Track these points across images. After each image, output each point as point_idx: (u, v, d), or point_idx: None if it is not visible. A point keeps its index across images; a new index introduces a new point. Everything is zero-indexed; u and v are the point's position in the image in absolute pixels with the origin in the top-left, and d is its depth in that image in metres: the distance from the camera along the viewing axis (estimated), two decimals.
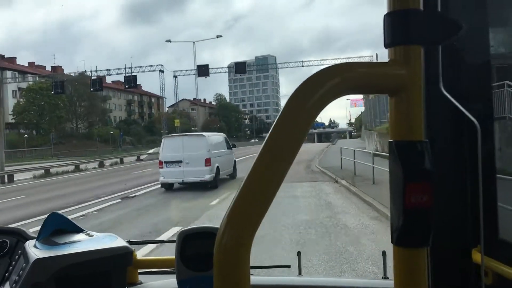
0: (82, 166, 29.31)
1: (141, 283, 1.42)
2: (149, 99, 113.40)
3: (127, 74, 43.00)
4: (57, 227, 1.28)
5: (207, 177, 15.32)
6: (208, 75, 43.08)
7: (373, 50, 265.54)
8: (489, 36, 0.90)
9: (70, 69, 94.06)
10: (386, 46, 0.60)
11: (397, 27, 0.59)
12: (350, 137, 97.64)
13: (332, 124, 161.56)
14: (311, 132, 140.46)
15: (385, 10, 0.60)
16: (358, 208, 10.61)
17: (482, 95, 0.89)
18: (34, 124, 67.38)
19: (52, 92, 44.72)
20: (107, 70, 43.77)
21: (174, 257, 1.13)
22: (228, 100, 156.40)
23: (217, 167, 16.04)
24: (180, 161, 15.43)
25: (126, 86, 43.00)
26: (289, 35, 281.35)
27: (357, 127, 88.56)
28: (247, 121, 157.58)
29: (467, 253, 0.88)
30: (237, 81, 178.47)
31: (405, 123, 0.58)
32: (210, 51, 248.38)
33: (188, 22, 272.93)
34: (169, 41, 52.96)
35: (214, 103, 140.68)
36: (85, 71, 44.79)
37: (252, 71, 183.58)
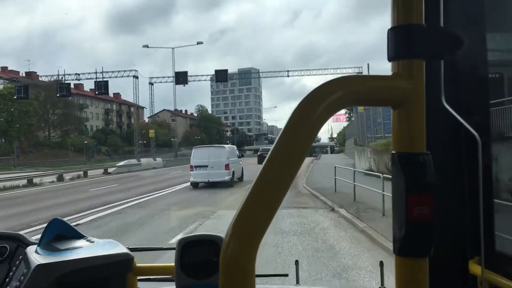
0: (37, 180, 25.42)
1: None
2: (128, 109, 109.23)
3: (97, 80, 39.28)
4: (59, 233, 1.27)
5: (227, 178, 20.40)
6: (187, 83, 39.80)
7: (355, 66, 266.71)
8: (488, 50, 0.92)
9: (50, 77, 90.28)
10: (389, 59, 0.61)
11: (400, 41, 0.60)
12: (332, 152, 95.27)
13: (316, 137, 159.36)
14: None
15: (388, 25, 0.61)
16: (373, 257, 7.29)
17: (482, 108, 0.90)
18: (1, 132, 62.85)
19: (15, 97, 40.73)
20: (76, 74, 39.88)
21: (173, 264, 1.12)
22: (210, 111, 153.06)
23: (233, 171, 21.12)
24: (206, 166, 20.16)
25: (97, 92, 39.16)
26: (273, 50, 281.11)
27: (340, 142, 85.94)
28: (228, 133, 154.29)
29: (464, 264, 0.90)
30: (220, 93, 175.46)
31: (407, 135, 0.59)
32: (194, 63, 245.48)
33: (173, 34, 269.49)
34: (147, 46, 49.64)
35: (195, 114, 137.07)
36: (58, 75, 41.12)
37: (234, 83, 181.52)
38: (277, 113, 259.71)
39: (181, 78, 39.35)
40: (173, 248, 1.12)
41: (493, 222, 0.89)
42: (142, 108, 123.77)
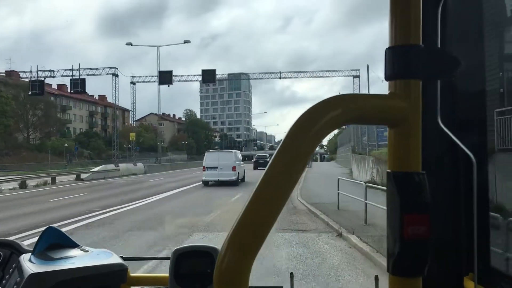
0: None
1: None
2: (114, 111, 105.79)
3: (74, 77, 36.12)
4: (53, 241, 1.26)
5: (234, 178, 23.87)
6: (171, 83, 36.93)
7: (345, 74, 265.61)
8: (486, 71, 0.94)
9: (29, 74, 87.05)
10: (386, 79, 0.61)
11: (397, 61, 0.60)
12: (322, 159, 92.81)
13: None
14: None
15: (386, 44, 0.61)
16: None
17: (478, 128, 0.93)
18: None
19: None
20: (50, 71, 36.66)
21: (167, 274, 1.11)
22: (198, 116, 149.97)
23: (238, 172, 24.53)
24: (217, 167, 23.65)
25: (72, 91, 35.97)
26: (264, 56, 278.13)
27: (331, 150, 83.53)
28: (217, 138, 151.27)
29: (459, 281, 0.90)
30: (209, 97, 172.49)
31: (403, 155, 0.59)
32: (184, 67, 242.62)
33: (164, 37, 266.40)
34: (130, 44, 46.58)
35: (184, 119, 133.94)
36: (31, 72, 37.80)
37: (224, 88, 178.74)
38: (267, 119, 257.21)
39: (165, 78, 36.44)
40: (168, 258, 1.09)
41: (488, 238, 0.89)
42: (129, 111, 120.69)
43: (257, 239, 0.54)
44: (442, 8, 0.75)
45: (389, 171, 0.60)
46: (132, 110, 48.57)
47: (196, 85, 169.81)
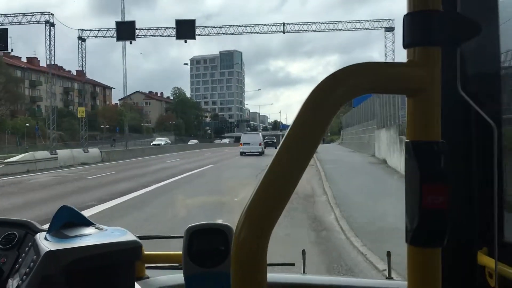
0: None
1: (148, 277, 1.41)
2: (93, 88, 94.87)
3: None
4: (68, 220, 1.26)
5: (260, 150, 35.72)
6: (134, 39, 26.90)
7: (339, 55, 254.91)
8: (505, 38, 0.93)
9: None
10: (405, 46, 0.60)
11: (416, 28, 0.58)
12: (322, 142, 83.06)
13: None
14: (275, 134, 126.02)
15: (405, 11, 0.59)
16: None
17: (499, 95, 0.91)
18: None
19: None
20: None
21: (181, 252, 1.12)
22: (189, 96, 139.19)
23: (262, 147, 37.02)
24: (249, 143, 36.05)
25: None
26: (257, 37, 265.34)
27: (333, 131, 73.34)
28: (208, 119, 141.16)
29: (472, 255, 0.90)
30: (200, 76, 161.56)
31: (422, 124, 0.58)
32: (177, 48, 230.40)
33: (157, 18, 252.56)
34: None
35: (172, 98, 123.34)
36: None
37: (215, 66, 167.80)
38: (260, 99, 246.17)
39: (125, 31, 26.34)
40: (181, 237, 1.10)
41: (502, 213, 0.88)
42: (110, 88, 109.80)
43: (273, 214, 0.54)
44: None
45: (408, 140, 0.59)
46: (81, 69, 36.67)
47: (181, 60, 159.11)
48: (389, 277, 1.46)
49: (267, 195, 0.54)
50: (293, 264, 1.62)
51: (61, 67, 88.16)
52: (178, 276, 1.26)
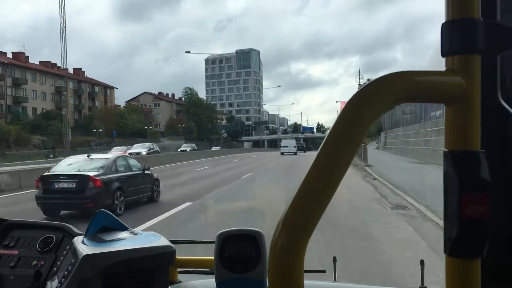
0: None
1: (180, 282, 1.41)
2: (91, 88, 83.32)
3: None
4: (104, 224, 1.28)
5: (295, 151, 47.89)
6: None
7: (360, 56, 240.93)
8: None
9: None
10: (443, 55, 0.58)
11: (455, 36, 0.57)
12: None
13: (322, 128, 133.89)
14: (296, 137, 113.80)
15: (443, 19, 0.59)
16: None
17: None
18: None
19: None
20: None
21: (212, 257, 1.11)
22: (204, 98, 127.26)
23: (296, 149, 49.49)
24: (287, 146, 48.55)
25: None
26: (279, 39, 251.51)
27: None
28: (224, 121, 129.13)
29: (510, 264, 0.85)
30: (215, 77, 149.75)
31: (461, 133, 0.57)
32: (199, 50, 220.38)
33: (179, 21, 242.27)
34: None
35: (183, 99, 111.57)
36: None
37: (232, 66, 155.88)
38: (281, 101, 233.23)
39: None
40: (213, 242, 1.10)
41: None
42: (113, 88, 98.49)
43: (311, 220, 0.54)
44: None
45: (446, 150, 0.57)
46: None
47: (201, 65, 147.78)
48: (422, 286, 1.43)
49: (305, 203, 0.54)
50: (324, 271, 1.62)
51: (55, 64, 76.88)
52: (210, 281, 1.26)
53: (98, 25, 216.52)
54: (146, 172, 11.41)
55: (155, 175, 11.83)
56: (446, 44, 0.57)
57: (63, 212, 9.83)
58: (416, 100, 0.58)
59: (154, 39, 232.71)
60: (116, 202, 9.76)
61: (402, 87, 0.56)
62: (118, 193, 9.92)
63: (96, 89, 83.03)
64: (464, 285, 0.57)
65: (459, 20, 0.56)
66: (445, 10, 0.58)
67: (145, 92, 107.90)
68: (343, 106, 0.56)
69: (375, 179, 15.95)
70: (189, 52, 64.80)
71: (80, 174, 9.63)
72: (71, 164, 10.43)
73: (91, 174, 9.59)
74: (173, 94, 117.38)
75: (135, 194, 10.69)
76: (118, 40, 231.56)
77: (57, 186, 9.45)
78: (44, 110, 68.30)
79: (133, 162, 11.57)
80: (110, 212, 1.31)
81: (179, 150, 54.68)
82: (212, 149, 65.03)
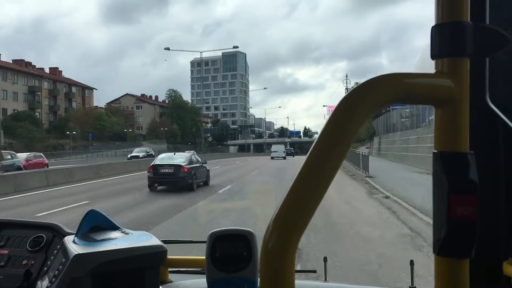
0: None
1: (171, 281, 1.40)
2: (68, 89, 78.76)
3: None
4: (95, 223, 1.27)
5: (284, 155, 52.04)
6: None
7: (347, 61, 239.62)
8: None
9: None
10: (432, 57, 0.59)
11: (444, 39, 0.57)
12: None
13: (309, 133, 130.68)
14: (282, 141, 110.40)
15: (432, 22, 0.59)
16: None
17: None
18: None
19: None
20: None
21: (203, 257, 1.11)
22: (189, 101, 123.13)
23: (285, 154, 54.11)
24: (277, 151, 53.44)
25: None
26: (267, 43, 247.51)
27: (359, 138, 56.75)
28: (209, 125, 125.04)
29: (498, 265, 0.87)
30: (201, 79, 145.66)
31: (450, 134, 0.57)
32: (187, 55, 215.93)
33: (167, 25, 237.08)
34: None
35: (167, 101, 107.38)
36: None
37: (218, 69, 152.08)
38: (268, 106, 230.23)
39: None
40: (204, 242, 1.10)
41: None
42: (92, 89, 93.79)
43: (302, 221, 0.54)
44: None
45: (436, 151, 0.58)
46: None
47: (187, 67, 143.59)
48: (412, 286, 1.44)
49: (296, 203, 0.54)
50: (314, 271, 1.62)
51: (30, 63, 72.35)
52: (201, 281, 1.26)
53: (85, 27, 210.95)
54: (203, 165, 16.84)
55: (207, 167, 17.12)
56: (435, 47, 0.58)
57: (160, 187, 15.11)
58: (406, 101, 0.59)
59: (142, 42, 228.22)
60: (193, 182, 15.08)
61: (392, 89, 0.56)
62: (194, 176, 15.30)
63: (74, 89, 78.53)
64: (452, 285, 0.57)
65: (449, 23, 0.57)
66: (435, 13, 0.58)
67: (127, 94, 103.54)
68: (334, 109, 0.56)
69: (386, 197, 12.37)
70: (168, 49, 56.72)
71: (175, 164, 15.06)
72: (166, 158, 16.27)
73: (182, 164, 15.06)
74: (156, 96, 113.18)
75: (200, 178, 16.00)
76: (105, 42, 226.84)
77: (161, 171, 15.04)
78: (16, 111, 63.69)
79: (198, 157, 17.37)
80: (101, 211, 1.29)
81: (129, 156, 46.04)
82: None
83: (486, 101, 0.68)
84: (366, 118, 0.55)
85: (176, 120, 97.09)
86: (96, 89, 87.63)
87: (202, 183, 16.21)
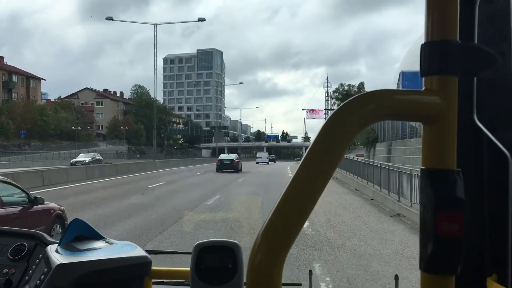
0: None
1: None
2: (7, 77, 65.86)
3: None
4: (79, 233, 1.25)
5: (267, 161, 61.69)
6: None
7: (326, 67, 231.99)
8: None
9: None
10: (422, 74, 0.59)
11: (434, 57, 0.58)
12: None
13: (288, 137, 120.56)
14: (259, 146, 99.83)
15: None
16: None
17: None
18: None
19: None
20: None
21: (188, 268, 1.08)
22: (161, 100, 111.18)
23: (269, 160, 64.42)
24: (261, 157, 62.45)
25: None
26: (247, 47, 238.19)
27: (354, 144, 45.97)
28: (180, 125, 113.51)
29: (481, 281, 0.86)
30: (174, 77, 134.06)
31: (438, 152, 0.57)
32: (168, 51, 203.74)
33: (147, 25, 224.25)
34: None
35: (132, 98, 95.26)
36: None
37: (192, 67, 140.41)
38: (243, 111, 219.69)
39: None
40: (189, 253, 1.07)
41: None
42: (40, 79, 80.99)
43: (290, 235, 0.54)
44: (480, 3, 0.72)
45: (423, 167, 0.58)
46: None
47: (160, 64, 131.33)
48: None
49: (285, 216, 0.53)
50: (299, 284, 1.60)
51: None
52: None
53: (60, 23, 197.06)
54: (238, 158, 34.90)
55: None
56: (425, 64, 0.58)
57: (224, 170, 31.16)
58: (395, 117, 0.59)
59: (119, 40, 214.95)
60: (240, 168, 33.67)
61: (382, 104, 0.56)
62: (240, 166, 33.90)
63: (15, 78, 65.79)
64: None
65: (438, 42, 0.57)
66: (425, 32, 0.58)
67: (87, 88, 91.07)
68: (321, 127, 0.56)
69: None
70: (111, 19, 41.11)
71: (231, 158, 34.01)
72: (225, 155, 35.73)
73: (234, 159, 33.99)
74: (121, 92, 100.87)
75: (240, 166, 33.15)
76: (81, 39, 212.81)
77: (225, 162, 33.38)
78: None
79: (236, 155, 36.64)
80: (85, 221, 1.26)
81: (72, 162, 38.67)
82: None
83: (473, 120, 0.69)
84: (358, 132, 0.55)
85: (141, 119, 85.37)
86: (44, 80, 74.52)
87: (241, 169, 32.89)
